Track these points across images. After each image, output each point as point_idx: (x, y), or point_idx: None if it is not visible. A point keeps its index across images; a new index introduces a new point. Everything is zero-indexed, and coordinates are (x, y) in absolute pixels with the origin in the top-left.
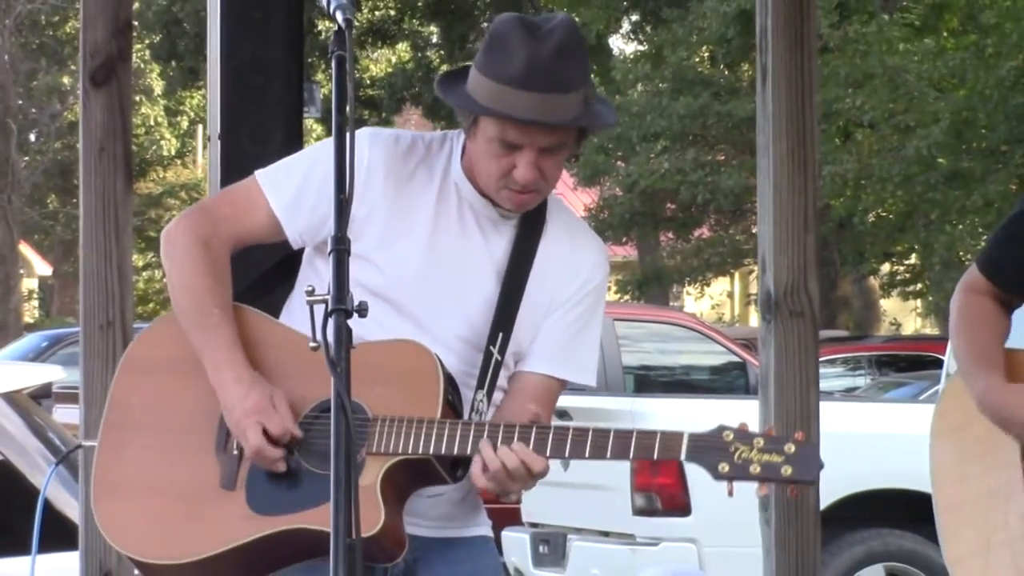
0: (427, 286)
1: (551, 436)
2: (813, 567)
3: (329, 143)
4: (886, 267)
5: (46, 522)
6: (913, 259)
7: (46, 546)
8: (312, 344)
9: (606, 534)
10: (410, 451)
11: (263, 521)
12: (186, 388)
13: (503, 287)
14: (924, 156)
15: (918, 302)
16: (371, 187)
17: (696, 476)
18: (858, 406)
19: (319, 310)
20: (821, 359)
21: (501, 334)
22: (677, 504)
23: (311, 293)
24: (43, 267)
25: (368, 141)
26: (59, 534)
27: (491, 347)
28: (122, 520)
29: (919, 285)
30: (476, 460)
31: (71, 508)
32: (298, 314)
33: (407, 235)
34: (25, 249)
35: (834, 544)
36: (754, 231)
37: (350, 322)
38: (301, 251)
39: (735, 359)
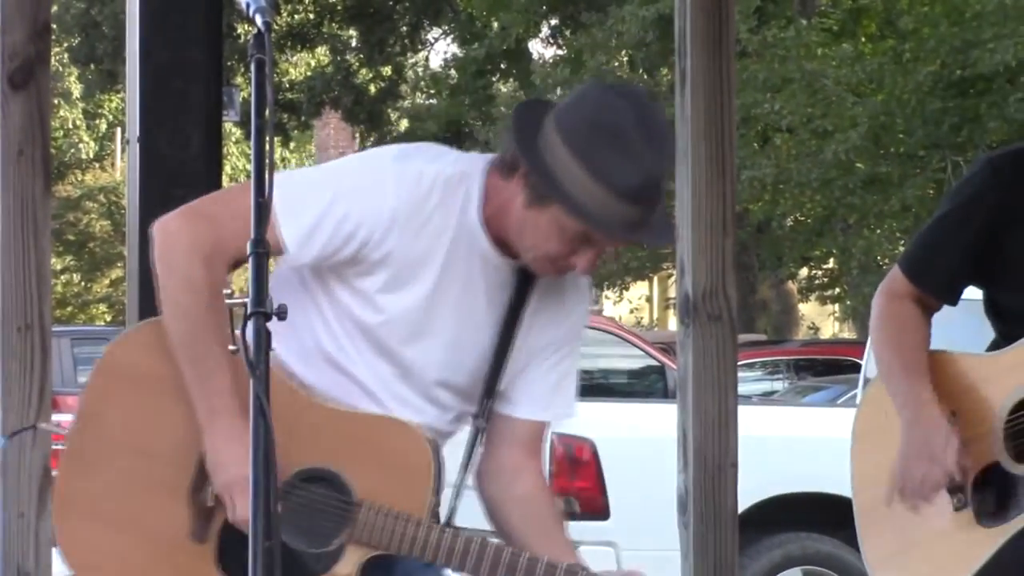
0: (421, 333)
1: None
2: (731, 570)
3: (354, 164)
4: (804, 271)
5: None
6: (831, 263)
7: None
8: (232, 348)
9: None
10: (393, 550)
11: None
12: (167, 412)
13: (499, 338)
14: (842, 161)
15: (836, 306)
16: (391, 235)
17: (614, 480)
18: (776, 410)
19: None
20: (739, 363)
21: (493, 386)
22: (596, 508)
23: (230, 296)
24: None
25: (395, 181)
26: None
27: (485, 400)
28: (86, 550)
29: (837, 289)
30: None
31: None
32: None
33: (414, 283)
34: None
35: (752, 548)
36: None
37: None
38: None
39: (654, 363)
